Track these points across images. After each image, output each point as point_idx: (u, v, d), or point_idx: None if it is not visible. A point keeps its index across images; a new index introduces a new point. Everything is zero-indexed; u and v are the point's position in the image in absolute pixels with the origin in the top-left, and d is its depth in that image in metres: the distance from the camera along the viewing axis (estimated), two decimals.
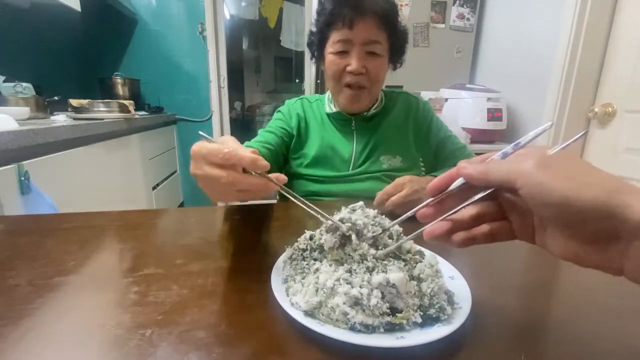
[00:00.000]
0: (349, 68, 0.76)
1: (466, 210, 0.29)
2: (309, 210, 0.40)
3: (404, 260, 0.36)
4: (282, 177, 0.40)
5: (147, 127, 1.93)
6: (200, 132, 0.38)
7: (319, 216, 0.39)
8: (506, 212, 0.28)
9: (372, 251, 0.35)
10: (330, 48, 0.79)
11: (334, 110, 0.87)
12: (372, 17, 0.73)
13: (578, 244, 0.23)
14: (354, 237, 0.36)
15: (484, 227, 0.28)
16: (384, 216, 0.40)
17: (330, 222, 0.37)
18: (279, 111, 0.92)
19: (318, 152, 0.84)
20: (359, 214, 0.39)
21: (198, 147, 0.37)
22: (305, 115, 0.89)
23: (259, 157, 0.35)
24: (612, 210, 0.21)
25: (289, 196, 0.40)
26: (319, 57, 0.85)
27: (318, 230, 0.40)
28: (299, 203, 0.40)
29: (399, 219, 0.36)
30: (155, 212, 0.77)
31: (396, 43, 0.81)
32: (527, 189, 0.23)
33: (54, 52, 1.96)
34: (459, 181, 0.29)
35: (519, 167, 0.24)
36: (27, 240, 0.51)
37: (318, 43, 0.82)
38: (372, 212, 0.40)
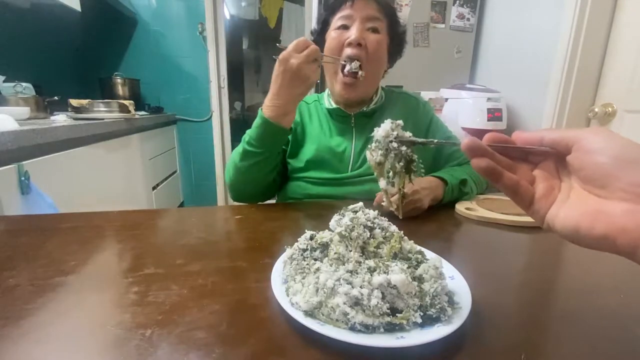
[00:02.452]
0: (348, 40, 0.77)
1: (506, 159, 0.30)
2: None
3: (408, 260, 0.36)
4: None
5: (147, 127, 1.93)
6: (279, 44, 0.68)
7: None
8: (535, 181, 0.29)
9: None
10: (332, 28, 0.81)
11: (334, 106, 0.87)
12: (372, 1, 0.77)
13: (604, 203, 0.24)
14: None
15: (514, 176, 0.28)
16: (383, 217, 0.40)
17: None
18: None
19: (315, 156, 0.83)
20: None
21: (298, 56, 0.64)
22: (302, 119, 0.89)
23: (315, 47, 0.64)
24: None
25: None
26: (321, 45, 0.84)
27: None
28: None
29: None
30: (155, 212, 0.77)
31: (394, 31, 0.82)
32: (587, 139, 0.25)
33: (54, 52, 1.96)
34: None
35: (574, 130, 0.27)
36: (27, 240, 0.51)
37: (320, 31, 0.85)
38: (372, 212, 0.40)
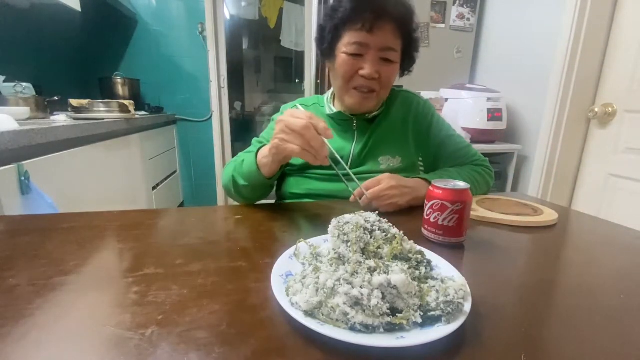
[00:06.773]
0: (362, 72, 0.75)
1: None
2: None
3: (408, 260, 0.37)
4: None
5: (147, 127, 1.93)
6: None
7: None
8: None
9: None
10: (344, 48, 0.77)
11: (335, 110, 0.86)
12: (391, 23, 0.73)
13: None
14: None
15: None
16: (384, 219, 0.40)
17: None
18: (273, 119, 0.91)
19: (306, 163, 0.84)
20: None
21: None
22: None
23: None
24: None
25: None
26: (329, 54, 0.82)
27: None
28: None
29: None
30: (155, 212, 0.77)
31: (409, 51, 0.81)
32: None
33: (54, 52, 1.96)
34: None
35: None
36: (27, 240, 0.51)
37: (331, 40, 0.80)
38: (373, 216, 0.40)
